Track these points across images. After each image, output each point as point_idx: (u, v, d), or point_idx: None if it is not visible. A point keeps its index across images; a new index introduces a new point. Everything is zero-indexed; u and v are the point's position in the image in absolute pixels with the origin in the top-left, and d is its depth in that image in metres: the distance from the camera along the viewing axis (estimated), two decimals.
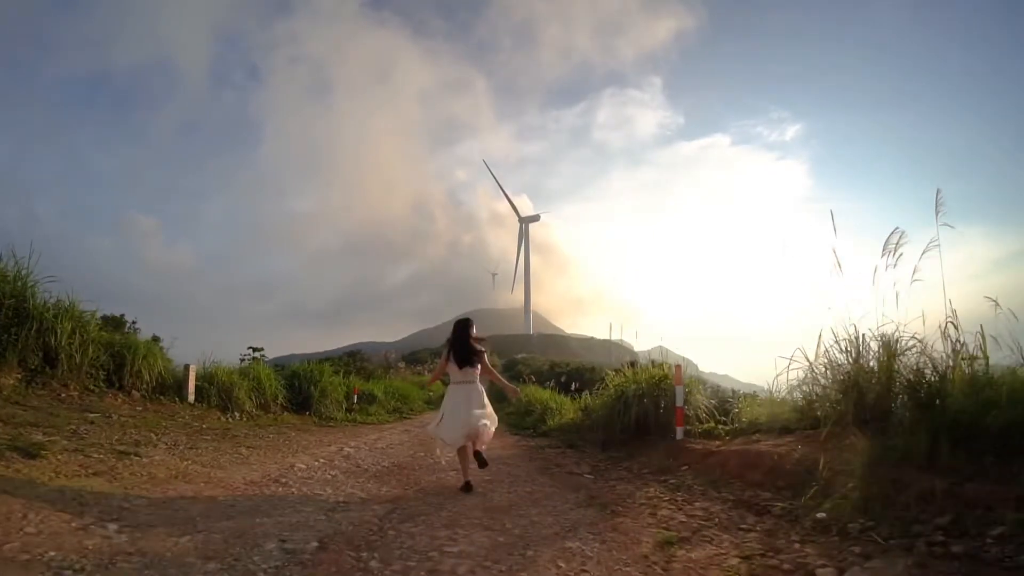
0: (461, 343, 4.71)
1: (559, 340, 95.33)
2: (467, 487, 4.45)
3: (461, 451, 4.65)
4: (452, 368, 4.73)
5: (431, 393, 19.27)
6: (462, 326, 4.80)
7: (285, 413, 9.84)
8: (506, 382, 5.28)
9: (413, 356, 42.29)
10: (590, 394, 12.78)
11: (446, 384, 5.01)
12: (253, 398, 8.91)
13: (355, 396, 12.80)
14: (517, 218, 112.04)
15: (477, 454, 4.47)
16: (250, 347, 12.18)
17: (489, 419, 4.65)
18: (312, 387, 10.67)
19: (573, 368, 23.76)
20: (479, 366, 4.71)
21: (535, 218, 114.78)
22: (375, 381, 16.26)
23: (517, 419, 12.04)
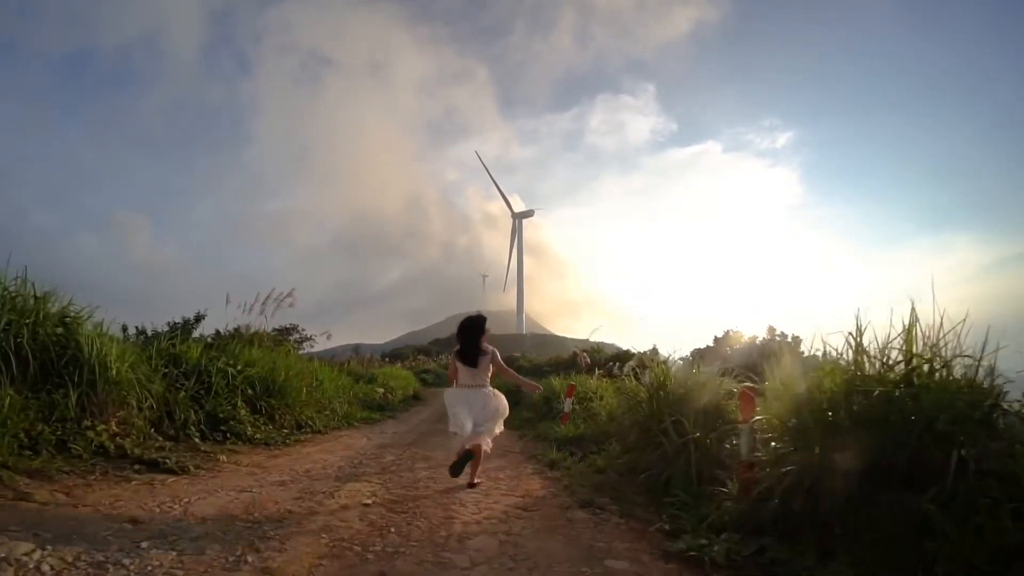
0: (469, 339, 4.33)
1: (553, 340, 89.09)
2: (455, 467, 4.03)
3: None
4: (461, 369, 4.37)
5: (384, 390, 14.42)
6: (471, 322, 4.40)
7: None
8: (523, 379, 5.05)
9: (396, 353, 39.49)
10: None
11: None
12: None
13: None
14: (510, 213, 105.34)
15: (467, 453, 4.07)
16: None
17: (493, 427, 4.36)
18: None
19: (613, 354, 16.11)
20: (491, 367, 4.36)
21: (529, 213, 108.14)
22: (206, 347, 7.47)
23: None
